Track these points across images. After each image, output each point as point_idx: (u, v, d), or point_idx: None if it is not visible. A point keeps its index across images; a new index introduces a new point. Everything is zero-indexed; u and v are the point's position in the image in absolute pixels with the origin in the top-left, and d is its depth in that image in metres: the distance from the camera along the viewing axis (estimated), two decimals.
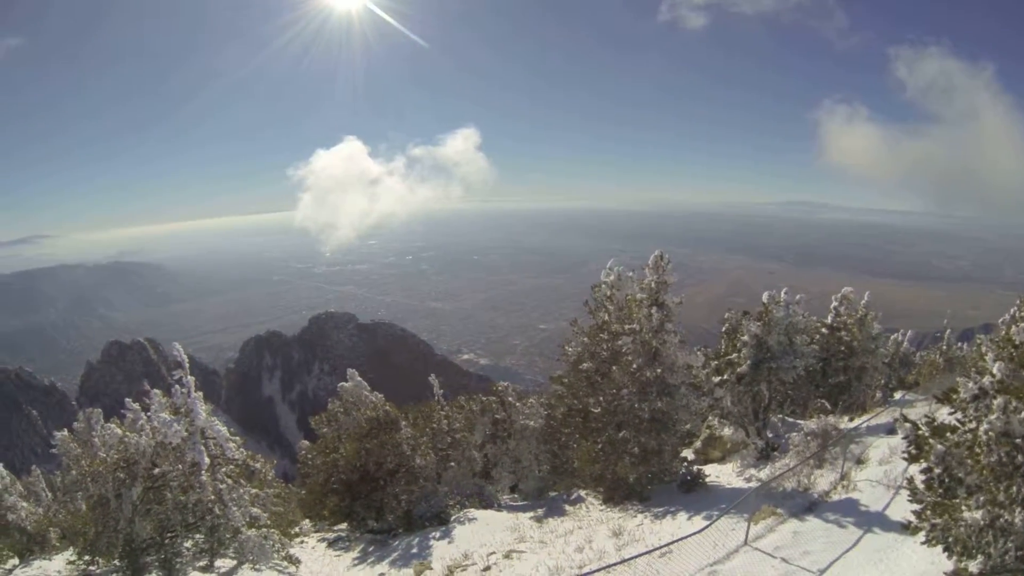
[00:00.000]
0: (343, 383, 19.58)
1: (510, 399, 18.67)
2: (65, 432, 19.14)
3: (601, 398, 15.58)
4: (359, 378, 19.43)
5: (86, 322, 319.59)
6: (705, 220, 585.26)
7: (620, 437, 15.05)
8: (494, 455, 18.69)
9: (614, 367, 15.38)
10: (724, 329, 18.37)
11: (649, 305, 14.85)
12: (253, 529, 14.16)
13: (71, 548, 19.27)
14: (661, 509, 14.08)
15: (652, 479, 15.60)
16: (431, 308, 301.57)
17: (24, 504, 22.00)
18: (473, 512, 16.70)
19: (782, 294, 17.18)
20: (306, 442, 30.68)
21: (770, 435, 18.06)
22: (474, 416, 18.75)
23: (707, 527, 10.32)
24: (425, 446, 17.68)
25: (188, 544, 15.70)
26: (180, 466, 14.50)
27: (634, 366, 14.84)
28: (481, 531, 14.81)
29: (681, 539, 10.13)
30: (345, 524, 19.33)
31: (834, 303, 23.26)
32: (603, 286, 16.34)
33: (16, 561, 19.16)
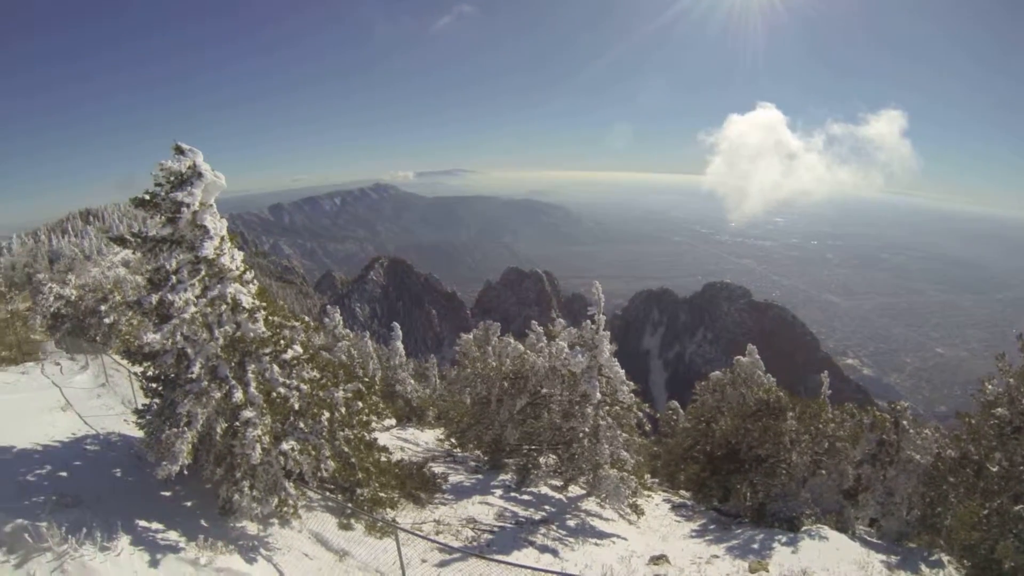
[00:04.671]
0: (739, 357, 19.41)
1: (905, 423, 16.44)
2: (469, 336, 23.33)
3: (1006, 456, 13.01)
4: (757, 356, 19.24)
5: (491, 247, 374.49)
6: None
7: (1015, 512, 12.50)
8: (867, 478, 16.64)
9: None
10: None
11: None
12: (614, 470, 15.04)
13: (442, 428, 23.22)
14: None
15: None
16: (826, 301, 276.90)
17: (412, 381, 27.36)
18: (826, 531, 15.69)
19: None
20: (675, 403, 31.47)
21: None
22: (862, 429, 17.00)
23: None
24: (805, 444, 16.82)
25: (543, 460, 17.71)
26: (568, 393, 16.16)
27: None
28: (828, 554, 13.87)
29: None
30: (690, 494, 19.67)
31: None
32: None
33: (393, 422, 23.79)
